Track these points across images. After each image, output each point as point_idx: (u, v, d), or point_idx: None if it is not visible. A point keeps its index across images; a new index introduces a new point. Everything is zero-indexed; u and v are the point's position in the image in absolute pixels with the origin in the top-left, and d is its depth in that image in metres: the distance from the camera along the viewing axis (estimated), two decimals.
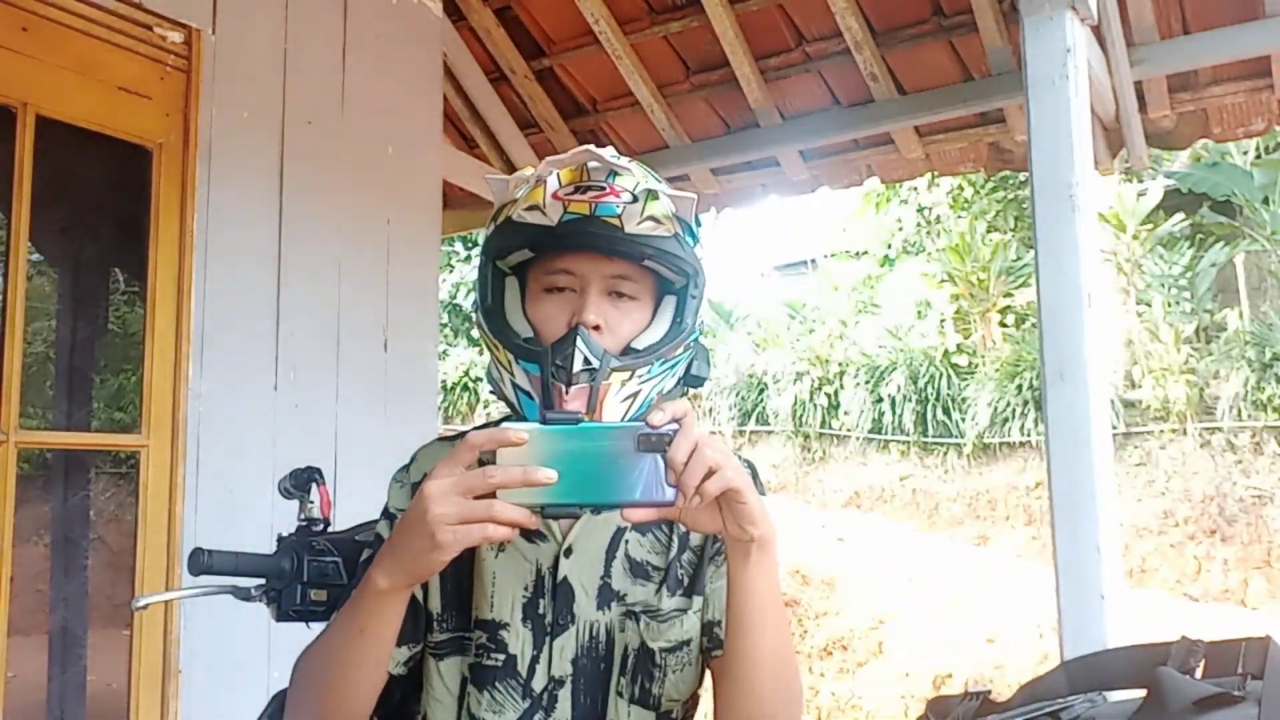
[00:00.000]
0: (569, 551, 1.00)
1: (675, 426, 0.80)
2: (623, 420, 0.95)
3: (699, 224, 1.02)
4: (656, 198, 0.95)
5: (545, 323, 0.98)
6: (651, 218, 0.94)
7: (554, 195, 0.93)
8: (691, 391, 1.26)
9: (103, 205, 2.66)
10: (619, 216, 0.93)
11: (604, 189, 0.93)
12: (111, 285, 3.06)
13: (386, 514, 1.07)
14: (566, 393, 0.93)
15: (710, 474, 0.79)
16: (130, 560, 2.29)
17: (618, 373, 0.94)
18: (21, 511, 2.12)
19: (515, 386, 0.98)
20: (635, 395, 0.96)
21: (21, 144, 2.15)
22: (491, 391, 1.03)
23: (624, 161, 0.95)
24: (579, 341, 0.93)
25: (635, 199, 0.93)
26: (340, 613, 0.93)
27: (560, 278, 0.98)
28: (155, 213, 2.37)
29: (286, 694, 1.02)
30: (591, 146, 0.94)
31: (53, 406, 2.80)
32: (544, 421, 0.81)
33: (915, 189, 12.04)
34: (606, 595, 1.00)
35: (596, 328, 0.96)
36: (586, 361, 0.93)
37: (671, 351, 0.99)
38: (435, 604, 1.02)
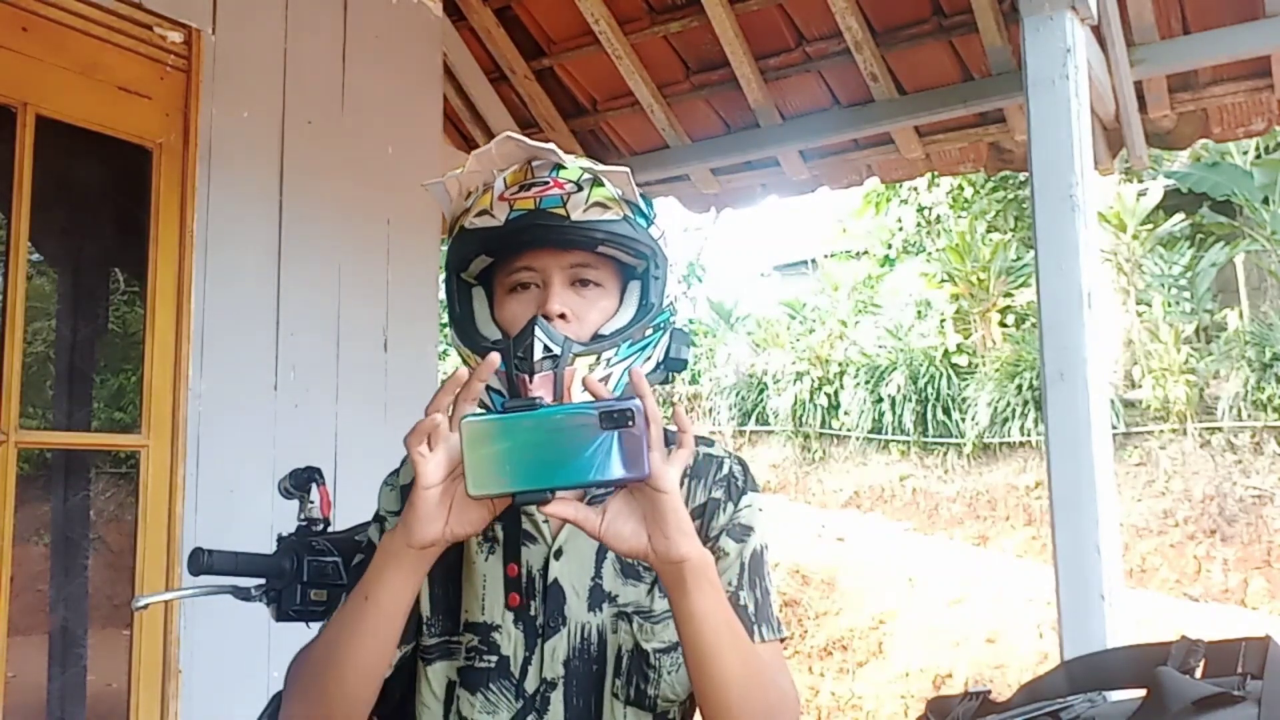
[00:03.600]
0: (559, 553, 1.00)
1: (637, 402, 0.80)
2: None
3: (650, 205, 1.03)
4: (601, 183, 0.96)
5: (513, 323, 0.98)
6: (598, 203, 0.95)
7: (500, 197, 0.95)
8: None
9: (103, 205, 2.66)
10: (564, 206, 0.94)
11: (547, 183, 0.94)
12: (111, 285, 3.06)
13: (377, 518, 1.07)
14: (531, 382, 0.93)
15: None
16: (130, 560, 2.29)
17: (582, 358, 0.95)
18: (21, 511, 2.12)
19: (486, 388, 0.98)
20: (605, 380, 0.96)
21: (21, 144, 2.15)
22: None
23: (560, 152, 0.96)
24: (537, 330, 0.94)
25: (579, 187, 0.95)
26: (348, 591, 0.93)
27: (522, 274, 0.99)
28: (155, 213, 2.37)
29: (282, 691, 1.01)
30: (510, 132, 0.96)
31: (53, 406, 2.80)
32: (504, 410, 0.80)
33: (915, 189, 12.03)
34: (598, 596, 0.99)
35: (562, 316, 0.96)
36: (547, 349, 0.93)
37: (639, 333, 0.99)
38: (425, 607, 1.02)
